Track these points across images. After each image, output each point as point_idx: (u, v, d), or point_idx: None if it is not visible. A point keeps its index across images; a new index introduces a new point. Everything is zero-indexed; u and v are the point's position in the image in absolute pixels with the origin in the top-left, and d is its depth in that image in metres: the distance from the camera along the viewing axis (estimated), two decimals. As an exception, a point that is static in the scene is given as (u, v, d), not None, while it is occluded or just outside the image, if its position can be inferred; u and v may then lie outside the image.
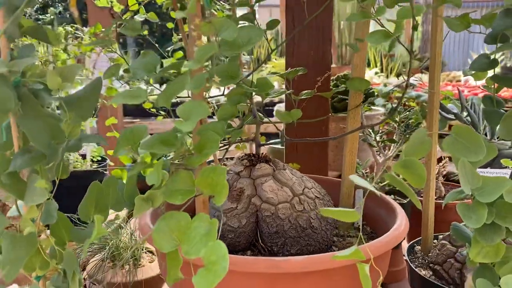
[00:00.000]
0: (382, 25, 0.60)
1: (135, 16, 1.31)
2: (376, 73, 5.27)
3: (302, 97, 0.85)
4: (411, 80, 2.40)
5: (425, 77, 4.63)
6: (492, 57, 0.61)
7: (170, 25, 1.42)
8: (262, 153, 0.83)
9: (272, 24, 0.74)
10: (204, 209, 0.68)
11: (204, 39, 0.64)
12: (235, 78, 0.64)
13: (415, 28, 0.55)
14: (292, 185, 0.79)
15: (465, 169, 0.54)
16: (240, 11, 0.91)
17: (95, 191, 0.66)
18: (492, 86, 0.78)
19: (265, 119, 0.85)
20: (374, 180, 1.27)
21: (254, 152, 0.84)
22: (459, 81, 4.87)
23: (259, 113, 0.81)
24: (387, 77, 5.65)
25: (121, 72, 1.19)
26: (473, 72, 0.69)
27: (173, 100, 0.63)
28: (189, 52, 0.63)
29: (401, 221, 0.76)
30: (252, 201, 0.77)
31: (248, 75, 0.71)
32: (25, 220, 0.56)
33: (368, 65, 7.52)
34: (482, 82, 0.80)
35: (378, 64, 7.30)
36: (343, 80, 1.51)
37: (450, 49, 9.60)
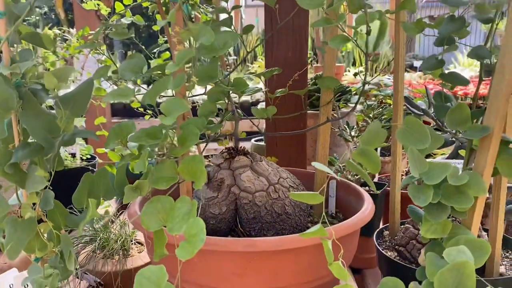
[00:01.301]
0: (343, 30, 0.68)
1: (122, 19, 1.37)
2: (360, 71, 5.37)
3: (277, 95, 0.92)
4: (386, 79, 2.45)
5: (406, 76, 4.73)
6: (439, 57, 0.69)
7: (156, 27, 1.49)
8: (241, 147, 0.90)
9: (248, 29, 0.81)
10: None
11: (187, 43, 0.72)
12: (214, 78, 0.71)
13: (368, 33, 0.63)
14: (268, 175, 0.86)
15: (413, 156, 0.62)
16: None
17: (87, 181, 0.73)
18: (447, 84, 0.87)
19: (243, 116, 0.92)
20: (350, 173, 1.35)
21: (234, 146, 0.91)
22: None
23: (237, 110, 0.88)
24: (372, 75, 5.76)
25: (109, 73, 1.25)
26: (428, 71, 0.78)
27: (159, 100, 0.70)
28: (173, 56, 0.70)
29: (367, 206, 0.84)
30: (231, 190, 0.84)
31: (227, 75, 0.78)
32: (26, 206, 0.63)
33: (354, 64, 7.65)
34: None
35: (364, 63, 7.42)
36: (322, 79, 1.59)
37: (431, 47, 9.75)
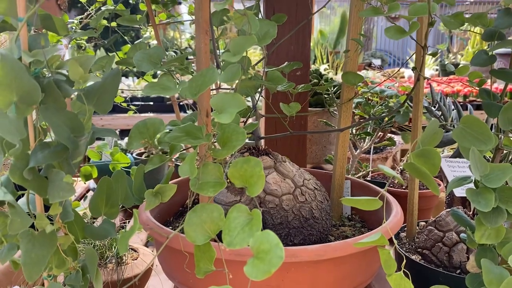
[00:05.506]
0: (391, 22, 0.63)
1: (103, 8, 1.27)
2: (325, 69, 5.40)
3: (299, 91, 0.86)
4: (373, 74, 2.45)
5: (369, 73, 4.79)
6: (490, 53, 0.65)
7: (138, 17, 1.39)
8: (262, 146, 0.83)
9: (278, 18, 0.75)
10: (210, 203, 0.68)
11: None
12: (249, 71, 0.64)
13: (431, 24, 0.58)
14: (293, 177, 0.80)
15: (475, 157, 0.58)
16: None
17: (105, 186, 0.64)
18: (475, 81, 0.84)
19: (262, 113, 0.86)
20: (349, 172, 1.32)
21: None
22: (403, 77, 5.11)
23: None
24: (336, 73, 5.81)
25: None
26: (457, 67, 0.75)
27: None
28: (197, 47, 0.63)
29: (397, 208, 0.80)
30: (255, 194, 0.77)
31: (256, 64, 0.71)
32: (41, 217, 0.54)
33: (314, 61, 7.71)
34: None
35: (325, 61, 7.49)
36: (315, 74, 1.55)
37: (389, 47, 10.01)
